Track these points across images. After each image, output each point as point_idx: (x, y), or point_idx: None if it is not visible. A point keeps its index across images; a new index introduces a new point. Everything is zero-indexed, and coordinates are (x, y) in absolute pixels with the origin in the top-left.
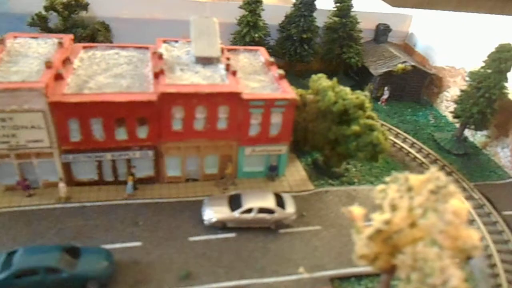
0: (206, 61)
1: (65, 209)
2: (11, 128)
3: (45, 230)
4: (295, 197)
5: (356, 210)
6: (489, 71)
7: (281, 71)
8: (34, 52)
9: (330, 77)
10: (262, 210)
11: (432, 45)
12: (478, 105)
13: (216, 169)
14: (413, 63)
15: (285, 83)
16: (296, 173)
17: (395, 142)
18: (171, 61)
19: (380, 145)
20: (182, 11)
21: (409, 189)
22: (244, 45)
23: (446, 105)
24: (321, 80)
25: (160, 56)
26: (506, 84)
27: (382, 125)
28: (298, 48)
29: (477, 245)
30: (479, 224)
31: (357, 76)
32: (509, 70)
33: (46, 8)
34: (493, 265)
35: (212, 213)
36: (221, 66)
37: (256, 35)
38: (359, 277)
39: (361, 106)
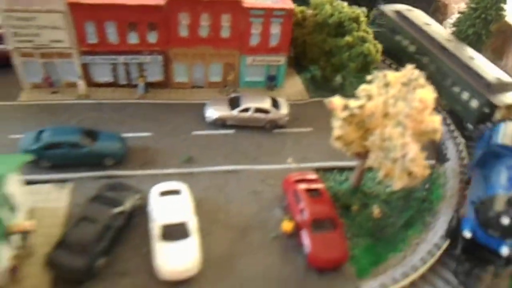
0: None
1: (84, 104)
2: (35, 28)
3: (68, 120)
4: (291, 105)
5: (336, 100)
6: None
7: None
8: None
9: None
10: (258, 110)
11: None
12: (474, 27)
13: (219, 77)
14: None
15: None
16: (294, 86)
17: (391, 64)
18: None
19: (370, 56)
20: None
21: (386, 84)
22: None
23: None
24: None
25: None
26: (504, 6)
27: None
28: None
29: (437, 128)
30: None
31: (362, 2)
32: None
33: None
34: (464, 165)
35: (213, 111)
36: None
37: None
38: (341, 169)
39: (356, 20)
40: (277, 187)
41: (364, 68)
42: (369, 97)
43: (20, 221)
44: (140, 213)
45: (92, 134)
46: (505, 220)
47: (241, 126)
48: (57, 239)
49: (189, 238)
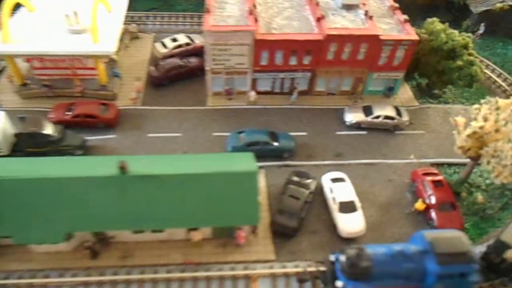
0: (349, 7)
1: (255, 109)
2: (227, 55)
3: (247, 121)
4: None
5: (459, 120)
6: None
7: (406, 16)
8: None
9: (432, 10)
10: (386, 117)
11: None
12: None
13: (348, 87)
14: (510, 3)
15: (408, 26)
16: (404, 93)
17: (484, 72)
18: (323, 7)
19: (477, 76)
20: None
21: (497, 108)
22: None
23: None
24: (435, 24)
25: (317, 3)
26: None
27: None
28: None
29: None
30: None
31: (457, 12)
32: None
33: None
34: None
35: (352, 117)
36: (360, 12)
37: None
38: (450, 165)
39: (465, 46)
40: (404, 177)
41: (469, 85)
42: (485, 119)
43: None
44: (316, 193)
45: (273, 135)
46: (341, 257)
47: (371, 128)
48: (276, 208)
49: (357, 211)
